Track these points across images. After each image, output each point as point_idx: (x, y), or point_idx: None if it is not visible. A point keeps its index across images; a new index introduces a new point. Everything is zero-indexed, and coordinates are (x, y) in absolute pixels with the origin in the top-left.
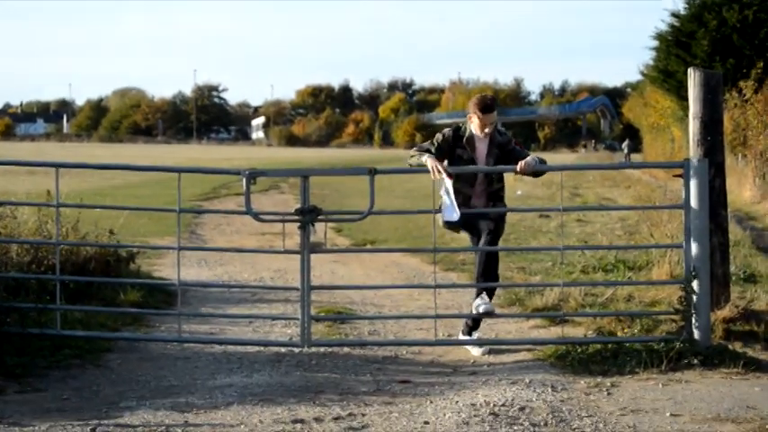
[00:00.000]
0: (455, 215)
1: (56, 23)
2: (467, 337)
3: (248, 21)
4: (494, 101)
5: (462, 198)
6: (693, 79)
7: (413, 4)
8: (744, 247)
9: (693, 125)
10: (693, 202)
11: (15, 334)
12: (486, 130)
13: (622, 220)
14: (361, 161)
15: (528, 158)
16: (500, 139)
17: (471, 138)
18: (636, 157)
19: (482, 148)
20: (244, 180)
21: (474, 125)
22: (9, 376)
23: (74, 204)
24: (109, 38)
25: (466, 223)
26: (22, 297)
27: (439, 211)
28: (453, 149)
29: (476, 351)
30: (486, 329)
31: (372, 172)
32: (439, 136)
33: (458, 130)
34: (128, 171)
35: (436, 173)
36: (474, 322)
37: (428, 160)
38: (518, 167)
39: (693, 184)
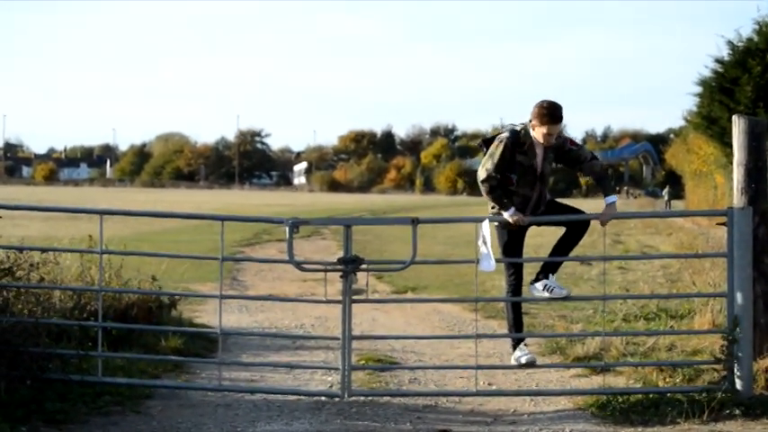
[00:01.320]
0: (492, 265)
1: (100, 68)
2: (536, 284)
3: (291, 66)
4: (562, 110)
5: (522, 199)
6: (738, 126)
7: (455, 50)
8: None
9: (738, 172)
10: (737, 251)
11: (57, 380)
12: (552, 141)
13: (664, 267)
14: (403, 207)
15: (611, 210)
16: (555, 142)
17: (532, 144)
18: (678, 204)
19: (540, 153)
20: (287, 229)
21: (537, 133)
22: (50, 422)
23: (118, 251)
24: (152, 83)
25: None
26: (64, 343)
27: (479, 260)
28: (513, 155)
29: (524, 358)
30: (527, 378)
31: (415, 222)
32: (500, 148)
33: (516, 135)
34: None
35: (518, 224)
36: (544, 268)
37: (510, 216)
38: (601, 219)
39: (737, 232)
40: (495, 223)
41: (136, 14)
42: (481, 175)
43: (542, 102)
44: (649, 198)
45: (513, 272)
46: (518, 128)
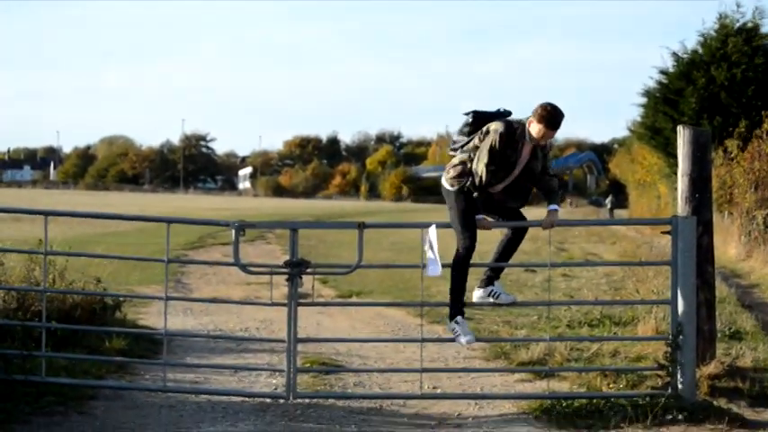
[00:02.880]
0: (438, 270)
1: (44, 70)
2: (481, 291)
3: (237, 71)
4: (562, 120)
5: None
6: (683, 137)
7: (399, 58)
8: (729, 304)
9: (682, 182)
10: (681, 259)
11: (0, 380)
12: (542, 143)
13: (608, 275)
14: (348, 213)
15: (552, 218)
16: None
17: (523, 140)
18: (621, 213)
19: (526, 151)
20: (233, 232)
21: (533, 132)
22: None
23: (62, 252)
24: (97, 86)
25: (487, 208)
26: (7, 343)
27: (426, 265)
28: (504, 149)
29: (463, 339)
30: (472, 382)
31: (361, 226)
32: (496, 141)
33: (511, 129)
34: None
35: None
36: (489, 274)
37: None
38: (543, 225)
39: (681, 240)
40: (452, 187)
41: (81, 15)
42: (480, 170)
43: (548, 104)
44: (593, 207)
45: (469, 235)
46: (516, 123)
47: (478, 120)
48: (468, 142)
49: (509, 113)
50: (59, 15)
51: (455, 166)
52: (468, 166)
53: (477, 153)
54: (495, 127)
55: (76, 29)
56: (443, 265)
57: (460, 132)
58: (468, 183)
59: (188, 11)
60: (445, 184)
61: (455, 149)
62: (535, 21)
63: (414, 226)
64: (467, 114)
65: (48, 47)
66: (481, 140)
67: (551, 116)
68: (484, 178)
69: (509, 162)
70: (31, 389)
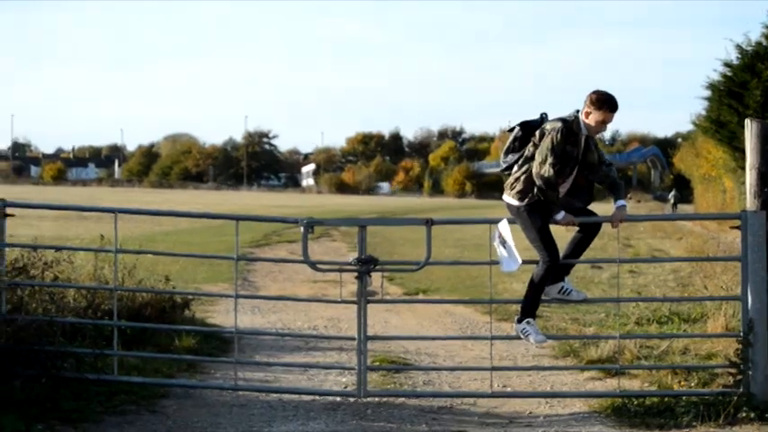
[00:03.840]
0: (515, 265)
1: (108, 69)
2: (551, 288)
3: (299, 68)
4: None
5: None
6: (751, 130)
7: (461, 53)
8: None
9: (750, 176)
10: (751, 254)
11: (72, 379)
12: (603, 130)
13: (675, 271)
14: (412, 209)
15: (621, 213)
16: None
17: (579, 134)
18: (686, 208)
19: (583, 145)
20: (302, 229)
21: (591, 121)
22: (66, 421)
23: (133, 250)
24: (160, 83)
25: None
26: (78, 342)
27: (495, 262)
28: (564, 145)
29: (534, 338)
30: (542, 381)
31: (430, 223)
32: (557, 139)
33: (568, 124)
34: (180, 217)
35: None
36: (558, 271)
37: (562, 219)
38: (613, 221)
39: (751, 235)
40: (525, 210)
41: (144, 14)
42: (546, 171)
43: (599, 90)
44: (657, 202)
45: (552, 250)
46: (570, 118)
47: (527, 130)
48: (521, 156)
49: (546, 116)
50: (123, 14)
51: (517, 179)
52: (528, 178)
53: (537, 157)
54: (552, 126)
55: (139, 27)
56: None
57: (510, 149)
58: (536, 192)
59: (250, 7)
60: (512, 201)
61: (509, 168)
62: (600, 10)
63: (483, 222)
64: (511, 130)
65: (111, 46)
66: (537, 146)
67: (609, 99)
68: (551, 177)
69: (570, 158)
70: (103, 387)
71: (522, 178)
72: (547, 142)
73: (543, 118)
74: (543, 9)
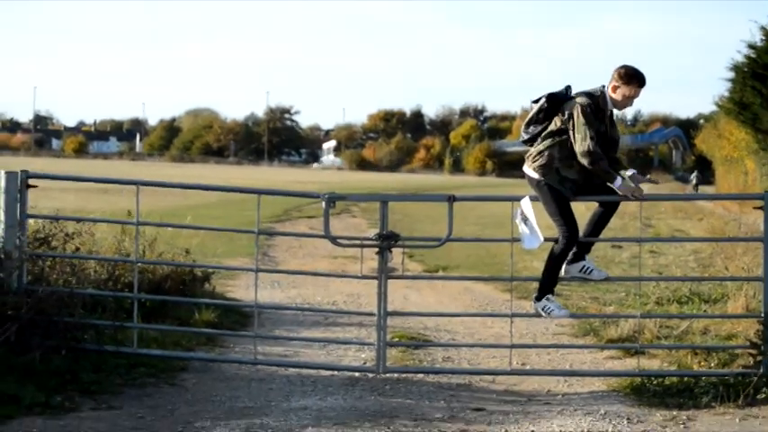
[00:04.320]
0: (536, 243)
1: (130, 43)
2: (572, 266)
3: (321, 45)
4: None
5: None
6: None
7: (485, 33)
8: None
9: None
10: None
11: (91, 351)
12: (630, 105)
13: (695, 252)
14: (433, 187)
15: (640, 184)
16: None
17: (605, 109)
18: (707, 190)
19: (608, 121)
20: (323, 204)
21: (618, 96)
22: (85, 393)
23: (154, 223)
24: (182, 58)
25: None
26: (98, 314)
27: (516, 240)
28: (595, 120)
29: (558, 312)
30: (561, 359)
31: (452, 199)
32: (588, 115)
33: (595, 99)
34: (200, 191)
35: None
36: (579, 249)
37: (626, 186)
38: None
39: None
40: (543, 177)
41: None
42: (585, 146)
43: (628, 65)
44: (679, 183)
45: (571, 224)
46: (596, 93)
47: (553, 103)
48: (545, 128)
49: (570, 89)
50: None
51: (540, 152)
52: (551, 152)
53: (576, 135)
54: (582, 101)
55: (162, 3)
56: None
57: (534, 121)
58: (557, 165)
59: None
60: (533, 173)
61: (532, 139)
62: None
63: (505, 199)
64: (537, 101)
65: (133, 19)
66: (564, 122)
67: (638, 74)
68: (597, 150)
69: (599, 134)
70: (122, 360)
71: (546, 152)
72: (581, 118)
73: (568, 91)
74: None
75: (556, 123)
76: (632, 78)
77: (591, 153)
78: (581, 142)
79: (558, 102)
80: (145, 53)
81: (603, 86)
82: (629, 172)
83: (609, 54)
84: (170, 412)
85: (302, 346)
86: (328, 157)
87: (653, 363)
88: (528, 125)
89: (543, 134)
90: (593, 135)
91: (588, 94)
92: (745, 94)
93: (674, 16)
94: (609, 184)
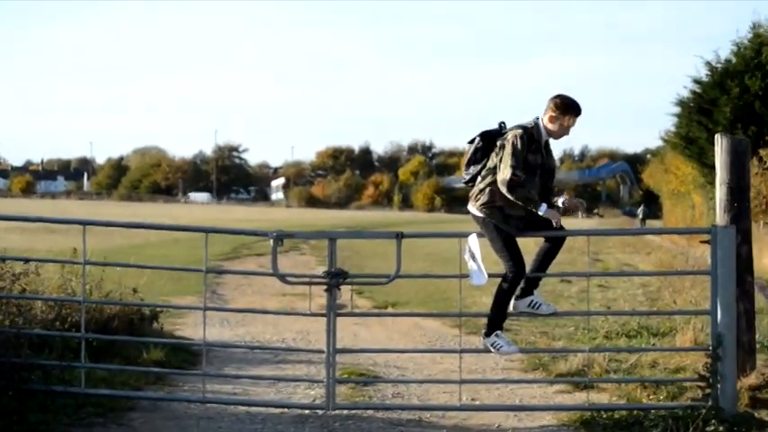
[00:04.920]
0: (483, 279)
1: (77, 82)
2: (520, 301)
3: (269, 82)
4: None
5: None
6: (721, 145)
7: (431, 68)
8: (767, 314)
9: (720, 191)
10: (721, 268)
11: (39, 391)
12: (566, 135)
13: (644, 286)
14: (382, 223)
15: (557, 214)
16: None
17: (539, 140)
18: (654, 224)
19: (543, 151)
20: (271, 242)
21: (555, 126)
22: None
23: (101, 262)
24: (129, 96)
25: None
26: (46, 354)
27: (465, 276)
28: (527, 152)
29: (507, 348)
30: (510, 394)
31: (400, 236)
32: (518, 144)
33: (528, 131)
34: (149, 230)
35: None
36: (527, 285)
37: (546, 213)
38: (555, 224)
39: (720, 249)
40: (489, 216)
41: (113, 28)
42: (506, 174)
43: (562, 95)
44: (626, 218)
45: (517, 260)
46: (529, 125)
47: (488, 141)
48: (483, 167)
49: (505, 125)
50: (90, 28)
51: (482, 190)
52: (493, 189)
53: (500, 165)
54: (514, 133)
55: (108, 41)
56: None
57: (472, 161)
58: (499, 203)
59: (220, 20)
60: (477, 212)
61: (473, 179)
62: (566, 29)
63: (453, 236)
64: (471, 141)
65: (80, 58)
66: (499, 156)
67: (574, 103)
68: (514, 179)
69: (534, 166)
70: (70, 400)
71: (487, 189)
72: (508, 148)
73: (502, 127)
74: (513, 26)
75: (492, 160)
76: (569, 108)
77: (509, 181)
78: (502, 170)
79: (492, 139)
80: (91, 91)
81: (537, 118)
82: (561, 198)
83: (557, 88)
84: None
85: (251, 383)
86: (278, 195)
87: (602, 396)
88: (467, 165)
89: (483, 172)
90: (514, 164)
91: (521, 127)
92: (691, 129)
93: (620, 51)
94: (534, 210)
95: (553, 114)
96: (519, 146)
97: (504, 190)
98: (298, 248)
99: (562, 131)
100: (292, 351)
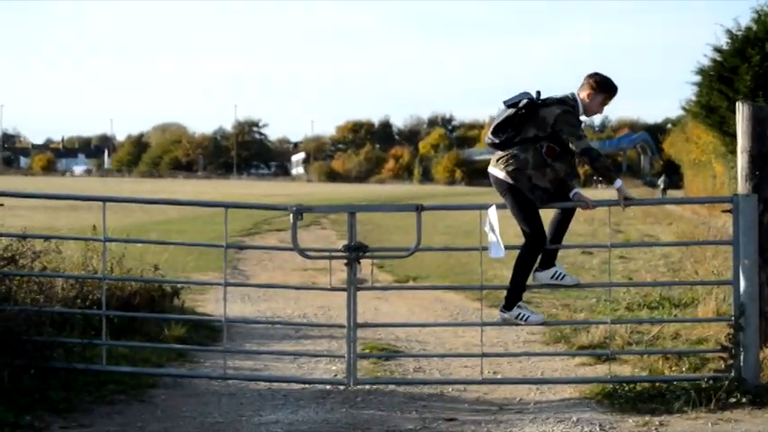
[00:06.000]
0: (501, 252)
1: (97, 59)
2: (543, 272)
3: (288, 56)
4: None
5: (555, 175)
6: (742, 113)
7: (452, 41)
8: None
9: (742, 159)
10: (743, 238)
11: (60, 369)
12: (600, 112)
13: (665, 257)
14: (402, 197)
15: (625, 190)
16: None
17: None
18: (675, 194)
19: None
20: (291, 216)
21: (592, 104)
22: (54, 411)
23: (121, 239)
24: (149, 73)
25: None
26: (67, 332)
27: (485, 248)
28: None
29: (534, 318)
30: (532, 367)
31: (420, 209)
32: (575, 118)
33: (569, 104)
34: (169, 206)
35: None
36: (547, 257)
37: (620, 190)
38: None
39: (742, 219)
40: (514, 181)
41: (133, 5)
42: (587, 143)
43: (600, 74)
44: (647, 188)
45: (539, 228)
46: (569, 100)
47: (531, 109)
48: (518, 133)
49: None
50: (111, 5)
51: (515, 156)
52: (526, 158)
53: (571, 138)
54: (563, 108)
55: (128, 17)
56: (505, 247)
57: (509, 125)
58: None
59: None
60: (504, 176)
61: (504, 143)
62: (583, 2)
63: (472, 208)
64: (513, 105)
65: (100, 36)
66: (541, 128)
67: (612, 83)
68: (594, 148)
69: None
70: (91, 378)
71: (521, 157)
72: (572, 120)
73: (539, 96)
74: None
75: (531, 130)
76: (607, 87)
77: (591, 149)
78: (581, 140)
79: (533, 107)
80: (112, 68)
81: (573, 93)
82: (573, 192)
83: (575, 60)
84: (140, 429)
85: (273, 359)
86: (298, 170)
87: (624, 369)
88: (502, 128)
89: (517, 139)
90: (584, 134)
91: (564, 101)
92: (711, 98)
93: (640, 21)
94: (609, 182)
95: (591, 92)
96: (575, 118)
97: (586, 158)
98: (318, 223)
99: (597, 109)
100: (313, 326)
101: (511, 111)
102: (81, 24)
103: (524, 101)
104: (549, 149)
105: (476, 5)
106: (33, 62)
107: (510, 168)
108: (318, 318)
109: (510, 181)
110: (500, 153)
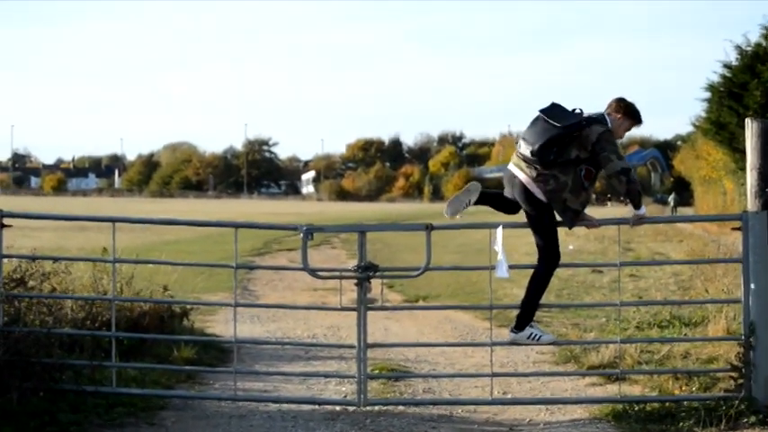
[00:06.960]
0: (506, 271)
1: (107, 80)
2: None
3: (298, 74)
4: None
5: (587, 197)
6: (751, 129)
7: (461, 59)
8: None
9: (751, 176)
10: (752, 256)
11: (70, 391)
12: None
13: (676, 275)
14: (412, 215)
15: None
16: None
17: None
18: (686, 211)
19: None
20: (301, 236)
21: (619, 128)
22: None
23: (131, 260)
24: (160, 93)
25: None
26: (76, 354)
27: (495, 267)
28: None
29: (546, 338)
30: (542, 387)
31: (429, 228)
32: (611, 137)
33: (608, 124)
34: (178, 226)
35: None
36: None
37: (640, 213)
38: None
39: (752, 236)
40: (551, 201)
41: (143, 25)
42: (625, 164)
43: (628, 100)
44: (657, 205)
45: (557, 250)
46: (604, 121)
47: (552, 114)
48: (561, 154)
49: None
50: (120, 24)
51: (555, 177)
52: (566, 181)
53: (612, 156)
54: (603, 128)
55: (138, 37)
56: (515, 266)
57: (558, 143)
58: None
59: (248, 15)
60: (540, 195)
61: (549, 161)
62: (597, 17)
63: (482, 226)
64: (566, 125)
65: (110, 56)
66: (585, 148)
67: (639, 112)
68: (631, 169)
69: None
70: (101, 400)
71: (562, 179)
72: (612, 139)
73: (581, 113)
74: (542, 15)
75: (573, 151)
76: (636, 115)
77: (630, 170)
78: (622, 160)
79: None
80: (122, 88)
81: (603, 114)
82: (642, 209)
83: (586, 77)
84: None
85: (282, 380)
86: (308, 188)
87: (634, 388)
88: (548, 147)
89: (559, 160)
90: (623, 155)
91: (603, 120)
92: (721, 114)
93: (651, 38)
94: (635, 206)
95: (621, 116)
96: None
97: (623, 178)
98: (329, 242)
99: (621, 134)
100: (323, 347)
101: (560, 131)
102: (91, 44)
103: (582, 118)
104: (588, 172)
105: (487, 23)
106: (44, 82)
107: (549, 188)
108: (328, 338)
109: (545, 200)
110: (539, 169)
